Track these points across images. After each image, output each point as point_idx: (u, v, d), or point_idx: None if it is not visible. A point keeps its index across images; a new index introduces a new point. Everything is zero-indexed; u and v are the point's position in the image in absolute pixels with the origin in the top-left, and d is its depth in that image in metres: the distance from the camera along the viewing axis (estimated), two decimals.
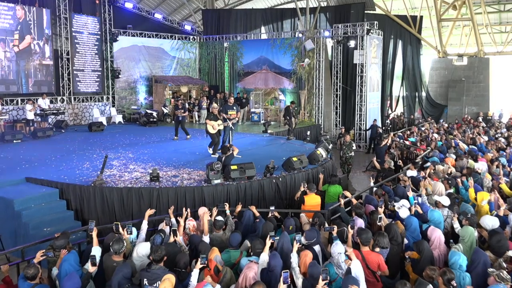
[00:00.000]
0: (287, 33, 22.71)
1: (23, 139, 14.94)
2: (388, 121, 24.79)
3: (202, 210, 6.83)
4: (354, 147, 14.06)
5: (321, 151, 11.41)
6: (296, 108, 20.86)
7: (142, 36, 22.99)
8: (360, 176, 15.16)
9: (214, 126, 12.03)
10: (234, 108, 12.50)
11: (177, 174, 10.00)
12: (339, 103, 21.92)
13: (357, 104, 20.81)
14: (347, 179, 11.80)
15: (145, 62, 23.11)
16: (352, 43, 20.43)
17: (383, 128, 22.24)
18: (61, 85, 19.98)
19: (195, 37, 25.41)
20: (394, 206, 7.09)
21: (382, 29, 22.46)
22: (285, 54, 21.88)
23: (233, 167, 9.31)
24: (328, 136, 14.47)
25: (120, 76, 21.82)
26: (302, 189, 8.27)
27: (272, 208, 7.21)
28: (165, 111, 21.29)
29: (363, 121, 20.77)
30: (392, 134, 15.48)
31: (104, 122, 19.79)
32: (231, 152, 9.76)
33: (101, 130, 17.72)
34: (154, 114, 21.00)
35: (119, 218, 8.78)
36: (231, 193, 9.17)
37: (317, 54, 20.99)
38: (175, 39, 24.32)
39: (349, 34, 20.65)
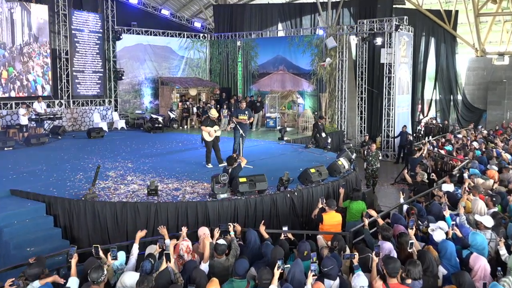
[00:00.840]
0: (306, 30, 22.67)
1: (15, 146, 14.87)
2: (419, 127, 24.15)
3: (202, 231, 6.39)
4: (381, 157, 13.49)
5: (343, 162, 11.00)
6: (315, 113, 20.48)
7: (148, 34, 23.07)
8: (388, 190, 14.64)
9: (211, 133, 11.69)
10: (246, 112, 12.26)
11: (179, 187, 9.70)
12: (364, 107, 21.69)
13: (385, 109, 20.52)
14: (373, 194, 11.29)
15: (151, 63, 23.18)
16: (379, 41, 20.14)
17: (414, 135, 21.82)
18: (59, 87, 19.96)
19: (206, 35, 25.51)
20: (427, 227, 6.54)
21: (413, 25, 22.04)
22: (304, 53, 21.73)
23: (241, 180, 8.92)
24: (351, 144, 14.01)
25: (123, 77, 21.90)
26: (320, 205, 7.83)
27: (285, 228, 6.73)
28: (172, 116, 21.20)
29: (391, 127, 20.40)
30: (426, 142, 14.87)
31: (105, 128, 19.75)
32: (238, 163, 9.36)
33: (101, 137, 17.63)
34: (160, 119, 20.91)
35: (112, 236, 8.45)
36: (239, 209, 8.77)
37: (340, 53, 20.82)
38: (183, 37, 24.39)
39: (375, 30, 20.35)
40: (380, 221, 6.89)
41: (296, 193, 9.30)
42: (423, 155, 13.36)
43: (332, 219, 7.66)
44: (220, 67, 24.89)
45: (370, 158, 13.55)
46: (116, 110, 21.98)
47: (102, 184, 9.94)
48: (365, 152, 14.12)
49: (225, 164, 10.41)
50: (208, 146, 11.84)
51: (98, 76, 21.33)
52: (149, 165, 11.99)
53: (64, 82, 20.06)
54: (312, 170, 9.92)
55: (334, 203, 7.78)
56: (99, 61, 21.29)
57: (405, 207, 7.86)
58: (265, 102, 21.60)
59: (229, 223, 6.71)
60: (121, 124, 20.98)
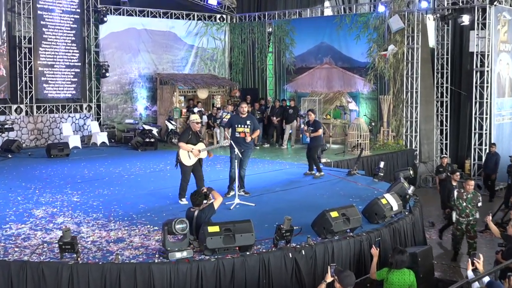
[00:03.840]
0: (362, 7, 22.18)
1: None
2: None
3: None
4: (480, 201, 11.31)
5: (389, 200, 9.69)
6: (372, 124, 19.94)
7: (143, 16, 22.86)
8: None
9: (194, 153, 10.77)
10: (248, 123, 11.45)
11: (124, 237, 8.80)
12: (446, 115, 20.96)
13: (476, 118, 19.24)
14: (432, 257, 9.47)
15: (148, 54, 22.96)
16: (466, 20, 19.03)
17: None
18: (18, 87, 19.57)
19: (224, 16, 25.22)
20: None
21: None
22: (359, 39, 21.13)
23: (211, 229, 7.71)
24: (411, 171, 12.36)
25: (108, 74, 21.52)
26: (327, 279, 6.38)
27: None
28: (170, 127, 20.61)
29: (486, 145, 19.01)
30: None
31: (77, 143, 19.51)
32: (210, 202, 8.30)
33: (65, 156, 17.45)
34: (155, 131, 20.62)
35: None
36: (206, 277, 7.55)
37: (410, 39, 19.97)
38: (193, 19, 24.16)
39: (461, 4, 19.23)
40: None
41: (302, 252, 8.17)
42: None
43: None
44: (243, 60, 24.79)
45: (464, 204, 11.11)
46: (97, 119, 21.64)
47: (13, 228, 9.18)
48: (445, 186, 12.44)
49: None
50: (186, 173, 10.96)
51: (74, 73, 20.97)
52: (104, 199, 11.61)
53: (26, 81, 19.62)
54: (334, 214, 8.65)
55: (349, 277, 6.20)
56: (75, 52, 20.92)
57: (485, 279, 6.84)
58: (301, 108, 20.88)
59: None
60: (101, 138, 20.39)
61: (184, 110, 21.47)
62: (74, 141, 19.33)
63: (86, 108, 21.52)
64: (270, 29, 23.98)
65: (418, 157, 19.94)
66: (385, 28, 20.17)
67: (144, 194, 11.96)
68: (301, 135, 20.15)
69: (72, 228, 9.12)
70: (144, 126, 20.72)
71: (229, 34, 24.99)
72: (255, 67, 24.36)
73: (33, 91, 19.83)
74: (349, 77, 21.47)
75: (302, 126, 18.79)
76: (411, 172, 12.27)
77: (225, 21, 25.00)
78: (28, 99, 19.75)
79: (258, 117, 19.86)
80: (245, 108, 11.52)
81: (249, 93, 22.98)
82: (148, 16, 22.84)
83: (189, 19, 23.92)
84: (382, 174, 13.61)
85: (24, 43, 19.46)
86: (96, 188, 12.51)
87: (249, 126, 11.33)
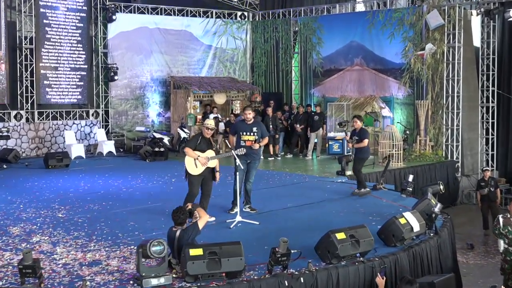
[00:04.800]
0: (397, 1, 21.93)
1: None
2: None
3: None
4: None
5: (409, 219, 9.15)
6: (407, 132, 19.81)
7: (156, 13, 22.92)
8: None
9: (200, 160, 10.38)
10: (254, 130, 11.15)
11: (102, 259, 8.46)
12: (493, 122, 20.92)
13: None
14: None
15: (161, 55, 23.05)
16: None
17: None
18: (18, 92, 19.66)
19: (246, 13, 25.30)
20: None
21: None
22: (393, 38, 21.04)
23: (193, 252, 7.30)
24: (441, 186, 11.85)
25: (117, 78, 21.56)
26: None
27: None
28: (183, 135, 20.63)
29: None
30: None
31: (81, 153, 19.60)
32: (196, 220, 8.00)
33: (65, 166, 17.49)
34: (166, 140, 20.55)
35: None
36: None
37: (450, 36, 19.79)
38: (211, 17, 24.26)
39: None
40: None
41: (301, 279, 7.74)
42: None
43: None
44: (266, 61, 24.89)
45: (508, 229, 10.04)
46: (105, 127, 21.71)
47: None
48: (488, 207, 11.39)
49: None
50: (192, 185, 10.58)
51: (80, 76, 20.98)
52: (92, 215, 11.43)
53: (26, 85, 19.68)
54: (340, 235, 8.16)
55: None
56: (81, 53, 20.94)
57: None
58: (327, 114, 20.82)
59: None
60: (108, 147, 20.45)
61: (199, 117, 21.36)
62: (77, 151, 19.36)
63: (93, 115, 21.55)
64: (296, 28, 23.99)
65: (460, 170, 19.80)
66: (423, 25, 19.98)
67: (138, 210, 11.75)
68: (327, 145, 19.88)
69: (47, 248, 8.96)
70: (155, 134, 20.73)
71: (250, 33, 25.00)
72: (279, 69, 24.39)
73: (35, 96, 19.89)
74: (382, 80, 21.39)
75: (342, 134, 18.44)
76: (441, 187, 11.70)
77: (246, 19, 25.02)
78: (29, 104, 19.80)
79: (280, 126, 19.81)
80: (249, 114, 11.19)
81: (272, 98, 22.87)
82: (161, 14, 22.88)
83: (207, 17, 23.97)
84: (410, 189, 13.19)
85: (25, 44, 19.54)
86: (87, 203, 12.43)
87: (255, 134, 11.03)
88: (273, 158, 19.13)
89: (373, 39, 21.41)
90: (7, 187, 14.32)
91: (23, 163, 18.00)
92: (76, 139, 20.50)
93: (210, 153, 10.46)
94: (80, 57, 20.86)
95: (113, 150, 20.43)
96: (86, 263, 8.23)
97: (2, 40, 18.95)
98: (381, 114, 21.18)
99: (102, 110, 21.73)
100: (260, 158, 11.80)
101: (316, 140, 20.04)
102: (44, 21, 19.91)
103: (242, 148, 10.67)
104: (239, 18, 24.79)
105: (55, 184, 14.84)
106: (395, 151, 17.91)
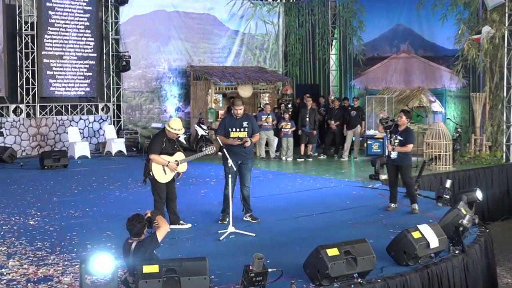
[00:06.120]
0: None
1: None
2: None
3: None
4: None
5: (425, 233, 8.59)
6: (459, 129, 19.43)
7: None
8: None
9: (170, 167, 10.33)
10: (245, 125, 11.03)
11: (54, 275, 8.25)
12: None
13: None
14: None
15: (180, 42, 23.19)
16: None
17: None
18: (18, 83, 19.81)
19: None
20: None
21: None
22: (445, 20, 20.72)
23: (147, 270, 6.94)
24: (478, 194, 11.37)
25: (131, 68, 21.58)
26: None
27: None
28: (201, 132, 20.50)
29: None
30: None
31: (85, 152, 19.81)
32: (152, 231, 7.69)
33: (62, 167, 17.59)
34: (182, 138, 20.01)
35: None
36: None
37: None
38: None
39: None
40: None
41: None
42: None
43: None
44: (301, 48, 24.93)
45: None
46: (116, 123, 21.83)
47: None
48: None
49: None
50: (161, 191, 10.51)
51: (88, 66, 21.09)
52: (67, 223, 11.35)
53: (27, 76, 19.84)
54: (332, 252, 7.66)
55: None
56: (90, 40, 21.03)
57: None
58: (365, 109, 20.61)
59: None
60: (117, 145, 20.55)
61: (222, 112, 21.12)
62: (81, 150, 19.46)
63: (102, 109, 21.65)
64: (336, 11, 23.98)
65: None
66: (479, 4, 19.57)
67: (122, 218, 11.17)
68: (365, 144, 19.56)
69: (0, 260, 8.79)
70: None
71: (283, 17, 25.13)
72: (315, 57, 24.42)
73: (36, 88, 20.04)
74: (433, 69, 21.21)
75: (380, 132, 17.95)
76: (478, 194, 11.15)
77: (278, 0, 25.16)
78: (30, 97, 19.96)
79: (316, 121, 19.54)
80: (239, 109, 11.03)
81: (307, 90, 22.70)
82: None
83: None
84: (448, 197, 12.73)
85: (26, 30, 19.70)
86: (68, 209, 12.38)
87: (246, 129, 10.89)
88: (303, 160, 18.85)
89: (422, 22, 21.22)
90: None
91: (19, 163, 18.11)
92: (84, 137, 20.66)
93: (179, 155, 10.45)
94: (88, 45, 20.89)
95: (124, 149, 20.50)
96: (35, 279, 8.02)
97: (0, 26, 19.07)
98: (431, 109, 20.95)
99: (113, 104, 21.75)
100: (252, 157, 11.59)
101: (353, 139, 19.75)
102: (47, 3, 19.98)
103: (212, 147, 10.70)
104: (270, 0, 24.77)
105: (43, 187, 14.91)
106: (443, 152, 17.33)
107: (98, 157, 19.95)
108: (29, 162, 18.36)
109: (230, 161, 10.35)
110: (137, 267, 7.05)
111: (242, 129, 10.99)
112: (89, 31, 20.87)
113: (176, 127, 10.45)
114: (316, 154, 19.75)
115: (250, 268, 7.25)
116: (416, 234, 8.48)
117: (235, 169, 10.53)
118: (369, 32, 22.77)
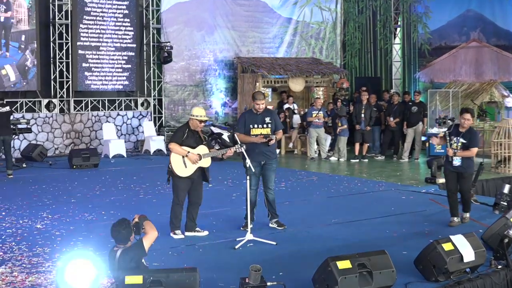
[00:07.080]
0: None
1: None
2: None
3: None
4: None
5: (458, 245, 8.27)
6: None
7: None
8: None
9: (190, 158, 10.18)
10: (267, 121, 10.97)
11: (43, 284, 8.29)
12: None
13: None
14: None
15: (227, 31, 23.40)
16: None
17: None
18: (52, 77, 20.07)
19: None
20: None
21: None
22: None
23: (131, 280, 6.91)
24: None
25: (173, 59, 21.64)
26: None
27: None
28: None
29: None
30: None
31: (120, 150, 19.84)
32: (140, 237, 7.54)
33: (92, 166, 17.76)
34: (225, 135, 20.18)
35: None
36: None
37: None
38: None
39: None
40: None
41: None
42: None
43: None
44: (361, 38, 25.23)
45: None
46: (157, 119, 22.04)
47: None
48: None
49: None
50: (179, 190, 10.42)
51: (126, 58, 21.31)
52: (76, 227, 11.39)
53: (61, 68, 20.03)
54: (343, 264, 7.42)
55: None
56: (128, 29, 21.25)
57: None
58: (428, 105, 20.48)
59: None
60: (156, 144, 20.72)
61: (271, 107, 20.74)
62: (117, 148, 19.57)
63: (142, 104, 21.83)
64: None
65: None
66: None
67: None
68: (427, 144, 19.05)
69: None
70: (213, 128, 20.59)
71: (341, 3, 25.33)
72: (377, 47, 24.61)
73: (71, 82, 20.26)
74: (507, 60, 21.00)
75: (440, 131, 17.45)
76: None
77: None
78: (63, 91, 20.17)
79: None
80: (260, 103, 10.81)
81: (367, 83, 22.58)
82: None
83: None
84: (505, 204, 12.28)
85: (60, 18, 19.86)
86: (83, 212, 12.44)
87: (269, 126, 10.76)
88: (357, 161, 18.56)
89: (495, 7, 21.12)
90: (6, 191, 14.49)
91: (48, 161, 18.34)
92: (121, 134, 20.88)
93: (202, 149, 10.25)
94: (127, 35, 21.07)
95: (163, 148, 20.48)
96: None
97: (32, 14, 19.29)
98: (503, 105, 20.62)
99: (153, 99, 21.91)
100: (277, 157, 11.36)
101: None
102: None
103: (239, 145, 10.32)
104: None
105: (65, 187, 15.01)
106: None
107: (134, 156, 20.06)
108: (59, 161, 18.53)
109: (248, 161, 10.14)
110: (119, 277, 7.00)
111: (265, 125, 10.84)
112: (128, 20, 21.02)
113: (198, 113, 10.41)
114: (373, 154, 19.47)
115: (246, 281, 7.15)
116: (447, 246, 8.18)
117: (253, 170, 10.33)
118: (436, 19, 22.71)
